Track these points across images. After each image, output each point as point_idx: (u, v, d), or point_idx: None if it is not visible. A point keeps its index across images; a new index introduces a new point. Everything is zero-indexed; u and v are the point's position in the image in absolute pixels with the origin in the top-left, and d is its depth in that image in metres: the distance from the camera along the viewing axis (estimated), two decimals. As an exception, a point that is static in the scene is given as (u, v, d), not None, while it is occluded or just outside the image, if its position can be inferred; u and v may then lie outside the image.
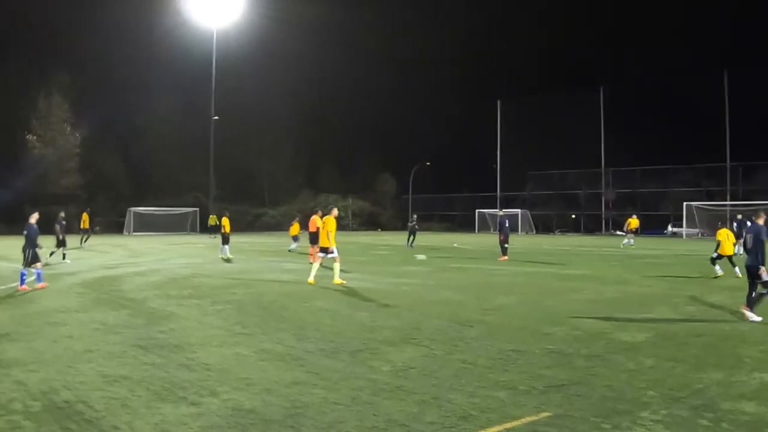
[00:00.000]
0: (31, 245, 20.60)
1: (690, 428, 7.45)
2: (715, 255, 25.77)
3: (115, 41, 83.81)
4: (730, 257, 25.66)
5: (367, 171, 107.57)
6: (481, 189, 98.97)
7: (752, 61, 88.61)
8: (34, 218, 21.18)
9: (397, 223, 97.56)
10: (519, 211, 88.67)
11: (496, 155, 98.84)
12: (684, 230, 74.96)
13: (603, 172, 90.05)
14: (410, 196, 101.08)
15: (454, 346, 11.93)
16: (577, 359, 10.88)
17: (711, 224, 75.81)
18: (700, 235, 73.91)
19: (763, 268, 14.85)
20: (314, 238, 31.17)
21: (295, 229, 38.33)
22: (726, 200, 77.60)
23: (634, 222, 49.51)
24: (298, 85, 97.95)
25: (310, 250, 31.69)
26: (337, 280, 22.26)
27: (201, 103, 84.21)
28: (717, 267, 25.63)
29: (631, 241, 48.69)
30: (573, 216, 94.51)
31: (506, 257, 34.15)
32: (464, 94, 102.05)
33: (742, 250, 31.14)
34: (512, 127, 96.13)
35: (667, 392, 8.86)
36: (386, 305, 17.25)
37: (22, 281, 20.36)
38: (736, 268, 24.75)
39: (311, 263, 24.56)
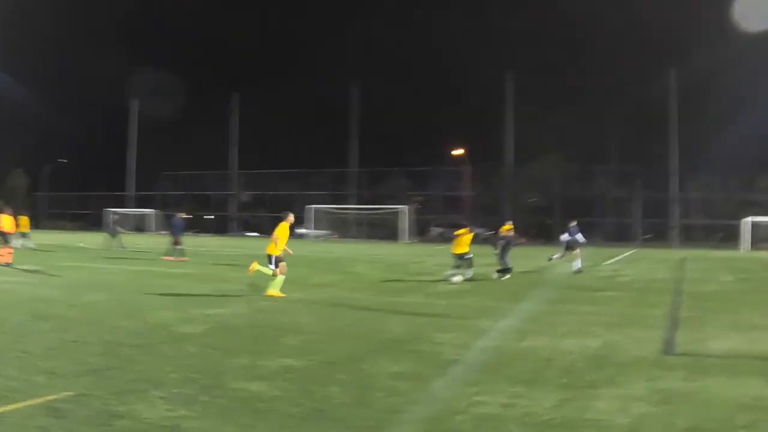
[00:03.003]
0: None
1: (189, 403, 8.33)
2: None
3: None
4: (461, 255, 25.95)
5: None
6: (116, 188, 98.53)
7: (383, 77, 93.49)
8: None
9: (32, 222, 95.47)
10: (153, 211, 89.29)
11: (130, 155, 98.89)
12: (312, 232, 77.84)
13: (235, 174, 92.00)
14: (45, 194, 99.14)
15: (20, 338, 12.29)
16: (127, 348, 11.59)
17: (338, 227, 79.68)
18: (326, 237, 77.15)
19: None
20: (5, 237, 30.15)
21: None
22: (353, 204, 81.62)
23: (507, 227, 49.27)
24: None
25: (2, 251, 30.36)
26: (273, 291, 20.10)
27: None
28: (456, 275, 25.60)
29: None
30: (207, 216, 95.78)
31: (183, 258, 34.84)
32: (101, 92, 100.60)
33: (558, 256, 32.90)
34: (146, 127, 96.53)
35: (189, 375, 9.74)
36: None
37: None
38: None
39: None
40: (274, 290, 19.84)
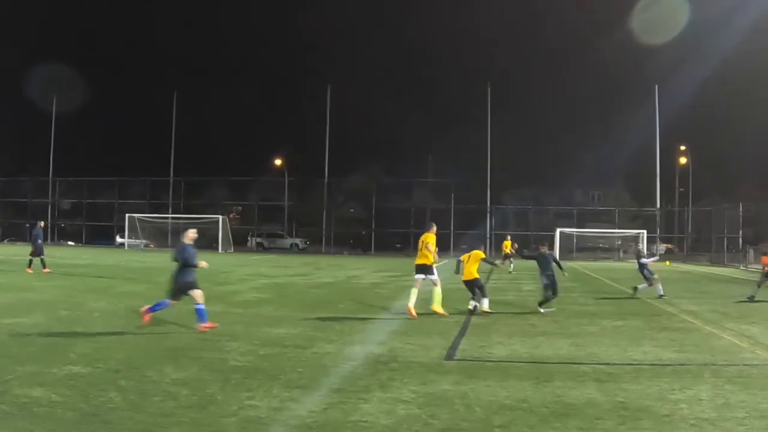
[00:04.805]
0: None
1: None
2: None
3: None
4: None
5: None
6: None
7: (204, 86, 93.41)
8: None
9: None
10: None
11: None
12: (127, 241, 76.77)
13: (51, 181, 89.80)
14: None
15: None
16: None
17: (155, 236, 78.80)
18: (143, 246, 76.24)
19: None
20: None
21: None
22: (169, 213, 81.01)
23: (507, 244, 46.32)
24: None
25: None
26: (437, 307, 19.11)
27: None
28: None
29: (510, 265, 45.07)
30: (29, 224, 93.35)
31: (46, 269, 33.61)
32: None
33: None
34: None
35: (-26, 383, 9.97)
36: None
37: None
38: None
39: None
40: (438, 307, 18.94)
